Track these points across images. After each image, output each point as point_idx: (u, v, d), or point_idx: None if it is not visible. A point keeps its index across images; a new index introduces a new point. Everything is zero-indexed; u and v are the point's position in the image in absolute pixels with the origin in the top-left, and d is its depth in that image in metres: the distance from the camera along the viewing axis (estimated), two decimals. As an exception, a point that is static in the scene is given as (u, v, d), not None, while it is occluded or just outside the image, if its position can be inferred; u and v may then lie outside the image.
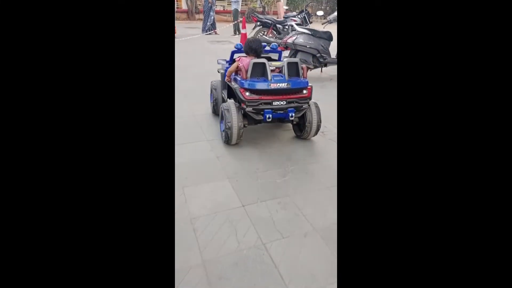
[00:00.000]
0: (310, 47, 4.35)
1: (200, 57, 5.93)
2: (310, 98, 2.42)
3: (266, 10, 13.83)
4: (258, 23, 6.38)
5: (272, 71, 2.41)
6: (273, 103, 2.29)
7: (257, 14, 6.77)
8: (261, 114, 2.33)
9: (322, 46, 4.47)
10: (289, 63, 2.33)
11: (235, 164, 2.23)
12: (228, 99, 2.63)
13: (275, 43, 3.76)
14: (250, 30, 6.81)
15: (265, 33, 6.45)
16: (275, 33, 6.43)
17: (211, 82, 3.11)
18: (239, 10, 9.05)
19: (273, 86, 2.26)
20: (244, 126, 2.42)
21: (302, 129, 2.57)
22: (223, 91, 2.81)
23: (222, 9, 13.98)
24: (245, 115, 2.39)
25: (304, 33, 4.43)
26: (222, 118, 2.45)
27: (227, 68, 2.63)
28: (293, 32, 4.51)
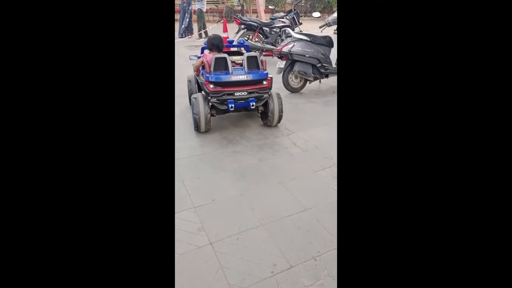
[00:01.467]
0: (309, 57, 3.64)
1: (178, 70, 5.08)
2: (270, 88, 2.68)
3: (245, 8, 12.99)
4: (242, 26, 5.58)
5: (239, 64, 2.71)
6: (235, 94, 2.53)
7: (241, 16, 5.95)
8: (224, 104, 2.55)
9: (322, 54, 3.77)
10: (248, 57, 2.60)
11: (239, 257, 1.48)
12: (198, 91, 2.81)
13: (243, 38, 3.63)
14: (232, 33, 6.02)
15: (251, 37, 5.68)
16: (261, 37, 5.67)
17: (187, 77, 3.22)
18: (204, 10, 8.10)
19: (234, 78, 2.50)
20: (212, 115, 2.68)
21: (267, 117, 2.81)
22: (196, 85, 3.00)
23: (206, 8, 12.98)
24: (213, 106, 2.59)
25: (302, 39, 3.71)
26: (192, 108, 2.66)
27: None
28: (289, 39, 3.78)
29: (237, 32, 5.62)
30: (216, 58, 2.49)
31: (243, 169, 2.24)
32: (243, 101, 2.57)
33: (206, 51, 2.89)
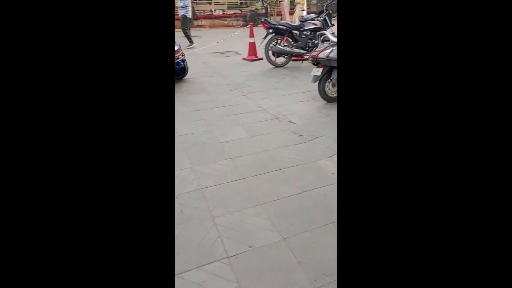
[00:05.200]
0: (350, 63, 3.23)
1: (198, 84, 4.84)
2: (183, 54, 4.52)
3: (269, 11, 12.69)
4: (270, 30, 5.22)
5: None
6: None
7: (269, 20, 5.60)
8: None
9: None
10: None
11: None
12: None
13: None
14: (259, 38, 5.70)
15: (279, 41, 5.33)
16: (290, 41, 5.30)
17: None
18: (189, 17, 7.53)
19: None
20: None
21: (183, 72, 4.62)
22: None
23: (221, 13, 12.88)
24: None
25: (341, 44, 3.30)
26: None
27: None
28: (326, 44, 3.39)
29: (265, 37, 5.30)
30: None
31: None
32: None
33: None
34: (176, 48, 4.12)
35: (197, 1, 12.45)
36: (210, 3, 12.73)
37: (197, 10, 12.40)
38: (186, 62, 4.53)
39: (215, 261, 1.49)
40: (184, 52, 4.74)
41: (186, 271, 1.43)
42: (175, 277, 1.40)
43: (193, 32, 9.97)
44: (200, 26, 11.86)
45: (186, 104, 3.66)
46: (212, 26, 12.10)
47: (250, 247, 1.57)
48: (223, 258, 1.50)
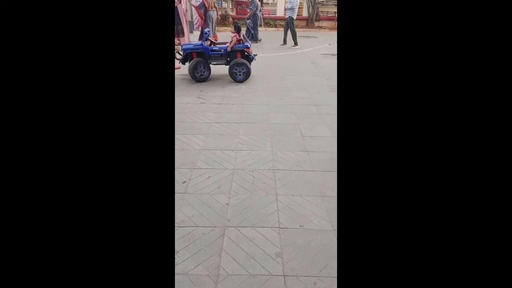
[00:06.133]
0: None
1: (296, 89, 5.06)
2: None
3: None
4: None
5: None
6: (253, 52, 4.87)
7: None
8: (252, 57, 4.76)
9: None
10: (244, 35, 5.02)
11: (310, 304, 1.28)
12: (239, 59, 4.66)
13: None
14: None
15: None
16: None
17: (190, 63, 4.63)
18: (295, 18, 7.60)
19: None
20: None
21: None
22: (209, 61, 4.76)
23: (334, 15, 12.68)
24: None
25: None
26: (239, 69, 4.61)
27: (201, 45, 4.65)
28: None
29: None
30: (243, 35, 4.79)
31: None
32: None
33: (232, 34, 4.76)
34: (248, 44, 4.76)
35: (324, 2, 12.61)
36: (336, 5, 12.70)
37: (321, 11, 12.58)
38: (255, 57, 4.93)
39: (267, 227, 1.74)
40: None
41: (243, 227, 1.73)
42: (233, 228, 1.72)
43: (310, 33, 10.27)
44: (320, 27, 12.00)
45: (283, 97, 3.98)
46: (332, 28, 12.08)
47: (301, 226, 1.75)
48: (275, 227, 1.74)
